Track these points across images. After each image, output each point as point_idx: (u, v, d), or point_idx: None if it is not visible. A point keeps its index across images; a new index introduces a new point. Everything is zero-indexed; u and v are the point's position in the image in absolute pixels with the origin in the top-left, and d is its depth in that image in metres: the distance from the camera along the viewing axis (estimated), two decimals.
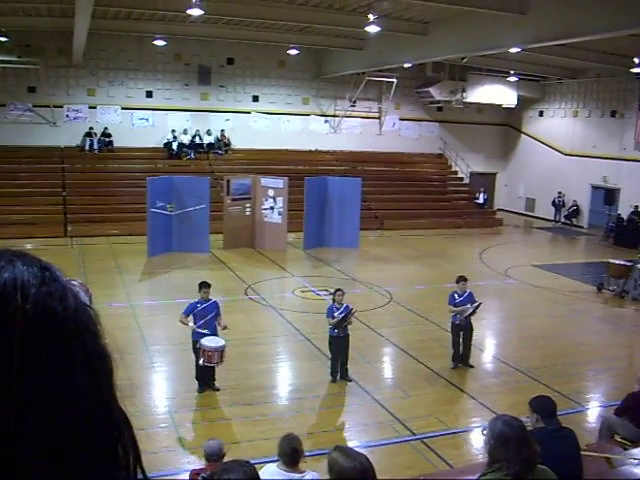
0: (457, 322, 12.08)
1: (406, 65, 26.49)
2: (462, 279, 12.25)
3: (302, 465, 5.97)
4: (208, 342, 10.43)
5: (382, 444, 9.26)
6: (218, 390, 10.71)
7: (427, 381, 11.62)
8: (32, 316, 0.84)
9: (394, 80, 30.55)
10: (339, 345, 11.20)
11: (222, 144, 30.05)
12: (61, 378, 0.85)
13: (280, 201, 22.67)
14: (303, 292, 17.61)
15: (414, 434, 9.52)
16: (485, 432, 4.52)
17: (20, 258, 0.90)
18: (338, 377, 11.29)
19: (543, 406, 5.93)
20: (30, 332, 0.83)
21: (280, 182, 22.78)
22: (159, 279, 19.12)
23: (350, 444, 9.54)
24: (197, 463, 7.98)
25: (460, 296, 12.07)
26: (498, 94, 32.35)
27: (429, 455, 8.98)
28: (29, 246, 22.48)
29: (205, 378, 10.68)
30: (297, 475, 5.81)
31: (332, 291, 16.84)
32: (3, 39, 24.81)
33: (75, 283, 11.50)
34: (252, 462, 8.16)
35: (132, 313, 14.95)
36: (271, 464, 6.04)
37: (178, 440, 9.11)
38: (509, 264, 21.93)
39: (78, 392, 0.87)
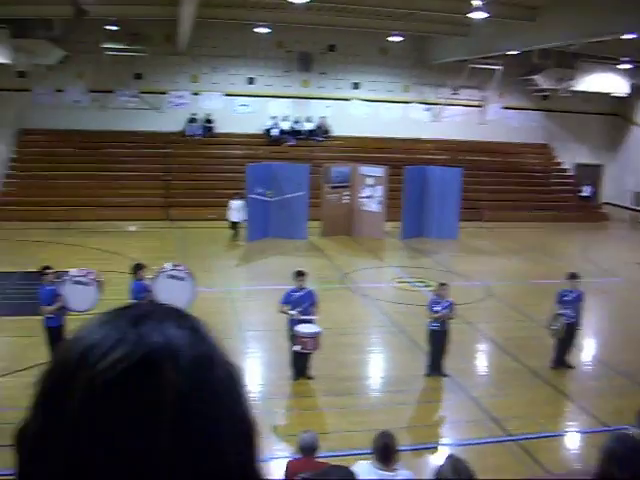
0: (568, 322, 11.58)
1: (512, 52, 25.73)
2: (574, 276, 11.79)
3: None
4: (303, 328, 10.45)
5: (476, 443, 9.04)
6: (312, 379, 10.72)
7: (524, 380, 11.26)
8: (183, 389, 0.76)
9: (499, 68, 29.72)
10: (438, 339, 10.99)
11: (322, 131, 30.10)
12: (211, 453, 0.78)
13: (379, 190, 22.52)
14: (399, 283, 17.44)
15: (509, 435, 9.25)
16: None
17: (171, 318, 0.83)
18: (433, 371, 11.10)
19: None
20: (181, 408, 0.75)
21: (379, 170, 22.62)
22: (256, 264, 19.36)
23: (443, 441, 9.40)
24: (289, 451, 8.02)
25: (567, 295, 11.63)
26: (608, 82, 30.97)
27: (524, 458, 8.69)
28: (132, 228, 23.28)
29: (299, 366, 10.70)
30: (390, 474, 5.72)
31: (429, 283, 16.78)
32: (113, 28, 25.59)
33: (181, 268, 11.77)
34: (342, 454, 8.17)
35: (229, 298, 15.18)
36: (364, 461, 5.97)
37: (271, 427, 9.16)
38: (615, 261, 21.04)
39: (225, 464, 0.79)
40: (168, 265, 11.59)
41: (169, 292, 11.01)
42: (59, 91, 28.25)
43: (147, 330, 0.79)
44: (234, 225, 21.76)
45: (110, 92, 28.51)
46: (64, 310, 10.59)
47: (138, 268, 11.03)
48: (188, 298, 11.18)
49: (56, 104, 28.17)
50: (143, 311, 0.83)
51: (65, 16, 22.70)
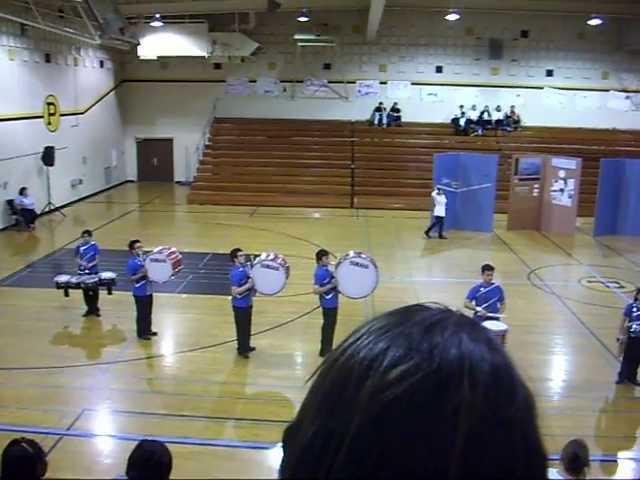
0: None
1: None
2: None
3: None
4: (490, 326, 10.11)
5: None
6: None
7: None
8: (479, 411, 0.66)
9: None
10: (636, 346, 10.20)
11: (511, 121, 29.12)
12: None
13: (571, 183, 21.42)
14: (590, 282, 16.47)
15: None
16: None
17: (466, 329, 0.74)
18: (625, 380, 10.34)
19: None
20: (475, 432, 0.66)
21: (573, 163, 21.53)
22: (440, 256, 19.12)
23: (633, 455, 8.75)
24: None
25: None
26: None
27: None
28: (317, 215, 23.81)
29: None
30: None
31: (623, 284, 15.74)
32: (304, 19, 26.22)
33: (364, 256, 11.81)
34: None
35: (412, 288, 15.05)
36: (551, 469, 5.65)
37: None
38: None
39: None
40: (351, 252, 11.67)
41: (352, 279, 11.09)
42: (252, 81, 29.45)
43: (441, 341, 0.71)
44: (439, 220, 20.49)
45: (300, 82, 29.29)
46: (252, 291, 11.00)
47: (322, 254, 11.21)
48: (371, 286, 11.21)
49: (248, 94, 29.41)
50: (434, 318, 0.75)
51: (259, 9, 23.54)
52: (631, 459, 8.71)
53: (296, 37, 27.38)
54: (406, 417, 0.66)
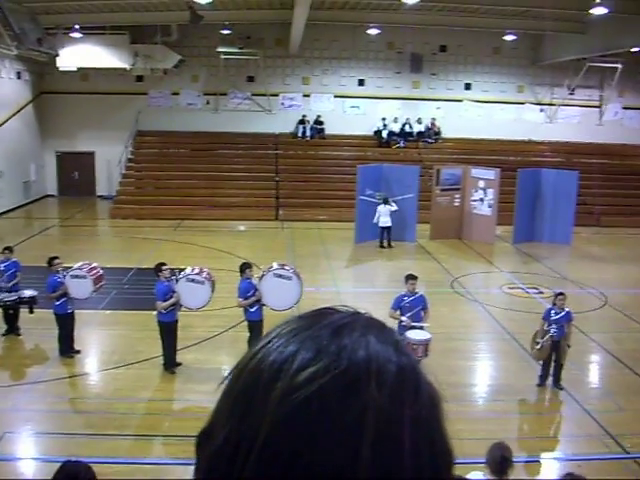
0: None
1: (633, 49, 24.60)
2: None
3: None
4: (414, 335, 10.28)
5: (591, 459, 8.63)
6: None
7: None
8: (386, 411, 0.69)
9: (618, 66, 28.50)
10: (553, 349, 10.56)
11: (432, 133, 29.77)
12: None
13: (490, 193, 22.02)
14: (511, 288, 16.96)
15: (627, 452, 8.78)
16: None
17: (373, 330, 0.76)
18: (547, 383, 10.68)
19: None
20: (381, 434, 0.69)
21: (491, 173, 22.14)
22: (365, 266, 19.31)
23: (555, 455, 9.03)
24: None
25: None
26: None
27: None
28: (242, 227, 23.74)
29: None
30: None
31: (542, 289, 16.25)
32: (226, 32, 26.21)
33: (288, 267, 11.86)
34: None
35: (338, 299, 15.13)
36: (477, 472, 5.79)
37: None
38: None
39: None
40: (275, 264, 11.70)
41: (276, 291, 11.12)
42: (174, 94, 29.22)
43: (349, 342, 0.73)
44: (385, 231, 20.97)
45: (223, 95, 29.21)
46: (177, 306, 10.90)
47: (245, 267, 11.20)
48: (295, 297, 11.25)
49: (171, 107, 29.16)
50: (343, 321, 0.77)
51: (181, 22, 23.42)
52: (554, 459, 8.98)
53: (219, 50, 27.34)
54: (316, 418, 0.68)
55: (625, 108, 31.36)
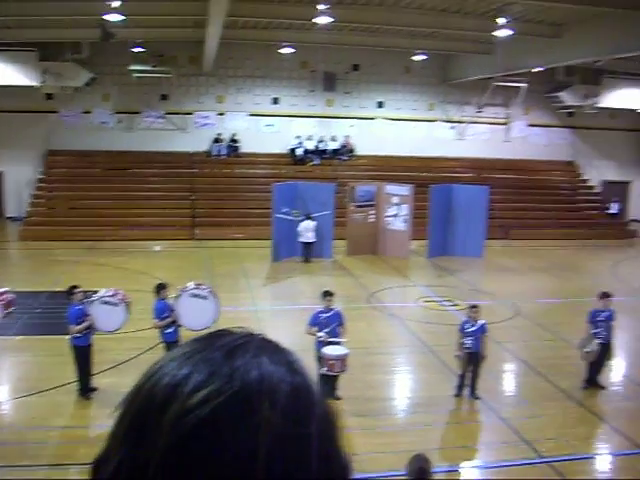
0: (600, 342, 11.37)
1: (536, 69, 25.63)
2: (606, 295, 11.61)
3: None
4: (331, 351, 10.36)
5: (507, 465, 8.86)
6: (339, 399, 10.62)
7: (556, 401, 11.05)
8: (279, 430, 0.70)
9: (523, 85, 29.62)
10: (469, 361, 10.82)
11: (346, 150, 30.14)
12: None
13: (404, 208, 22.43)
14: (427, 302, 17.30)
15: (542, 457, 9.06)
16: None
17: (267, 351, 0.77)
18: (464, 393, 10.93)
19: None
20: (275, 451, 0.70)
21: (405, 189, 22.57)
22: (283, 284, 19.32)
23: (474, 463, 9.24)
24: None
25: (599, 314, 11.44)
26: (635, 98, 30.72)
27: None
28: (158, 248, 23.39)
29: (327, 388, 10.60)
30: None
31: (456, 302, 16.63)
32: (139, 50, 25.89)
33: (204, 287, 11.77)
34: (372, 475, 8.06)
35: (255, 317, 15.11)
36: None
37: None
38: None
39: None
40: (191, 284, 11.60)
41: (192, 311, 11.02)
42: (86, 113, 28.59)
43: (242, 364, 0.74)
44: (308, 246, 21.40)
45: (136, 113, 28.80)
46: (92, 330, 10.64)
47: (161, 288, 11.04)
48: (211, 317, 11.18)
49: (83, 125, 28.53)
50: (236, 342, 0.78)
51: (92, 39, 22.99)
52: (473, 467, 9.17)
53: (131, 68, 26.95)
54: (210, 439, 0.69)
55: (531, 125, 32.57)
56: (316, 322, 10.66)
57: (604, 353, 11.41)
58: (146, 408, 0.73)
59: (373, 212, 22.99)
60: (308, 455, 0.72)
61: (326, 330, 10.54)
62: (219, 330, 0.84)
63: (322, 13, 18.51)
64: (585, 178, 33.16)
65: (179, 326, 10.88)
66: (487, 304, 16.69)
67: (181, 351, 0.79)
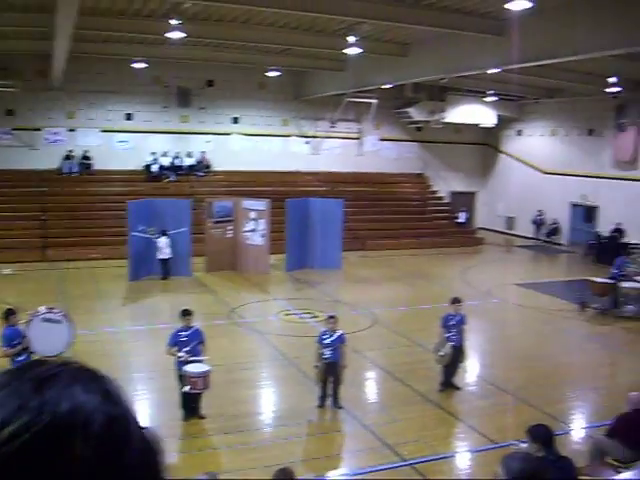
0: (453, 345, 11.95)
1: (386, 86, 26.60)
2: (456, 301, 12.22)
3: None
4: (192, 368, 10.29)
5: (373, 471, 9.13)
6: (204, 418, 10.54)
7: (415, 404, 11.51)
8: (92, 463, 0.68)
9: (374, 101, 30.67)
10: (328, 371, 11.05)
11: (203, 166, 29.97)
12: None
13: (262, 223, 22.55)
14: (287, 315, 17.49)
15: (404, 460, 9.41)
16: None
17: (81, 381, 0.74)
18: (327, 403, 11.15)
19: (543, 435, 5.86)
20: None
21: (261, 204, 22.69)
22: (141, 304, 18.92)
23: (341, 471, 9.44)
24: None
25: (451, 319, 12.03)
26: (477, 114, 32.60)
27: None
28: (7, 271, 22.21)
29: (190, 406, 10.51)
30: None
31: (315, 313, 16.93)
32: None
33: (56, 311, 11.37)
34: None
35: (114, 339, 14.74)
36: None
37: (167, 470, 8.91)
38: (492, 283, 21.98)
39: None
40: (42, 308, 11.18)
41: (45, 336, 10.63)
42: None
43: (52, 395, 0.71)
44: (165, 263, 21.15)
45: None
46: (28, 353, 10.21)
47: (10, 313, 10.53)
48: (66, 341, 10.83)
49: None
50: (48, 373, 0.75)
51: None
52: (340, 476, 9.35)
53: None
54: (20, 476, 0.66)
55: (382, 140, 33.74)
56: (176, 341, 10.53)
57: (457, 355, 12.03)
58: None
59: (231, 228, 22.98)
60: None
61: (186, 349, 10.43)
62: (31, 361, 0.81)
63: (174, 28, 18.36)
64: (434, 189, 34.75)
65: (31, 353, 10.43)
66: (346, 314, 17.17)
67: None
